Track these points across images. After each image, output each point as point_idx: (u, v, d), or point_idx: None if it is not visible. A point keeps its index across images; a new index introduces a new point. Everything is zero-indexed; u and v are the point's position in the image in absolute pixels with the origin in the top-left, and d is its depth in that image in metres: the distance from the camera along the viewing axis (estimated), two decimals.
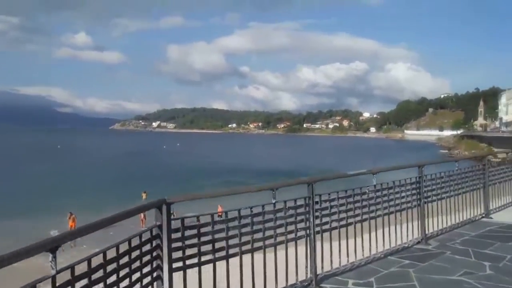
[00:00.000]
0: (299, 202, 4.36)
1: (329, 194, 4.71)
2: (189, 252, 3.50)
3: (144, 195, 31.40)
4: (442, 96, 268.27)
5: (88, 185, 38.43)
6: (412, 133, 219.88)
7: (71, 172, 48.51)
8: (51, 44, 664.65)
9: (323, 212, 4.61)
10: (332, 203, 4.71)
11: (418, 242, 5.65)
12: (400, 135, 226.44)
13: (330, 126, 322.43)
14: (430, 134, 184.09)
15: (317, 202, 4.49)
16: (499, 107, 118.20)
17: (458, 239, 5.85)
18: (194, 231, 3.55)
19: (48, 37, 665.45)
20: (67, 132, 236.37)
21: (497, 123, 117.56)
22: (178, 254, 3.43)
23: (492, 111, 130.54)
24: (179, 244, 3.45)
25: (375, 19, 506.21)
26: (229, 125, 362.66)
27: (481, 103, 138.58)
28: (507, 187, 7.64)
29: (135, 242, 3.05)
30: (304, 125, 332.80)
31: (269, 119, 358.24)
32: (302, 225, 4.34)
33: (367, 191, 5.03)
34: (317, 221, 4.49)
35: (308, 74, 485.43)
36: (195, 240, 3.55)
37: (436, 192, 5.87)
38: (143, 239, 3.14)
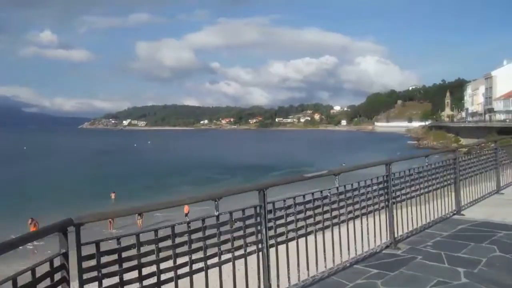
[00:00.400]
0: (248, 212, 3.75)
1: (284, 200, 4.10)
2: (108, 282, 2.83)
3: (113, 195, 30.38)
4: (410, 88, 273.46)
5: (54, 187, 36.80)
6: (382, 125, 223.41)
7: (36, 174, 46.61)
8: (15, 42, 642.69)
9: (278, 222, 3.99)
10: (288, 211, 4.09)
11: (387, 247, 5.14)
12: (371, 127, 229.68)
13: (302, 120, 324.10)
14: (399, 125, 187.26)
15: (270, 211, 3.87)
16: (465, 98, 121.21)
17: (430, 240, 5.38)
18: (115, 256, 2.89)
19: (11, 35, 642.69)
20: (34, 132, 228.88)
21: (463, 114, 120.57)
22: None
23: (458, 102, 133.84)
24: (94, 274, 2.78)
25: (343, 13, 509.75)
26: (201, 122, 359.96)
27: (448, 94, 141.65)
28: (478, 180, 7.27)
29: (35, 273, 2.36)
30: (276, 120, 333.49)
31: (241, 115, 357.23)
32: (252, 238, 3.72)
33: (328, 194, 4.44)
34: (271, 233, 3.87)
35: (279, 69, 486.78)
36: (115, 267, 2.89)
37: (405, 191, 5.38)
38: (39, 274, 2.44)
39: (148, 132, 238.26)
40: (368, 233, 4.88)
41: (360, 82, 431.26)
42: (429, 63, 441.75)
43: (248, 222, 3.69)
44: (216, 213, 3.42)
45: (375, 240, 5.01)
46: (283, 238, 3.99)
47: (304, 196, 4.23)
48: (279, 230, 3.95)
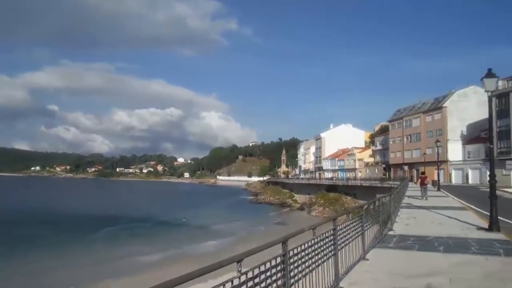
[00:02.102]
0: None
1: None
2: None
3: None
4: (250, 144, 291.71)
5: None
6: (223, 179, 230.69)
7: None
8: None
9: None
10: None
11: None
12: (213, 180, 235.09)
13: (144, 170, 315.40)
14: (240, 179, 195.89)
15: None
16: (298, 156, 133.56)
17: None
18: None
19: None
20: None
21: (297, 170, 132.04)
22: None
23: (293, 160, 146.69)
24: None
25: (188, 70, 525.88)
26: (32, 168, 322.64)
27: (284, 152, 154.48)
28: (352, 246, 7.11)
29: None
30: (117, 169, 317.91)
31: (79, 162, 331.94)
32: None
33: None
34: None
35: (123, 118, 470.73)
36: None
37: (302, 268, 4.73)
38: None
39: None
40: None
41: (204, 135, 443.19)
42: (268, 122, 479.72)
43: None
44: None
45: None
46: None
47: None
48: None
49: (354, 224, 7.41)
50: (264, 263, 3.84)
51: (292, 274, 4.45)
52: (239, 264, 3.36)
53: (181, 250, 32.92)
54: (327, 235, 5.79)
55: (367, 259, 7.92)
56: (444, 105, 62.80)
